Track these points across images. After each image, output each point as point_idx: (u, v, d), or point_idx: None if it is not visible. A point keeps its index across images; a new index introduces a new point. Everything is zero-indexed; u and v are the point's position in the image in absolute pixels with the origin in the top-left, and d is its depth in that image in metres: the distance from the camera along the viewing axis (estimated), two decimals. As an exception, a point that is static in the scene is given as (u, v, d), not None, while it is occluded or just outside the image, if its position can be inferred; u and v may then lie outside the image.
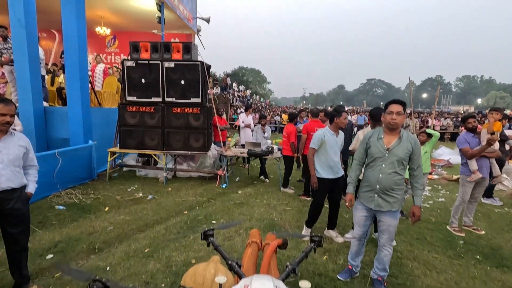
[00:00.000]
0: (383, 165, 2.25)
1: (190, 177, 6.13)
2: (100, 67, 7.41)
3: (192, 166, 6.20)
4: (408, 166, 2.33)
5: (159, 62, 5.30)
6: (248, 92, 28.16)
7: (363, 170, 2.50)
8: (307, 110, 23.40)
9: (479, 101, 79.50)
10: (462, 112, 49.85)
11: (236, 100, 21.14)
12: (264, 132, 6.25)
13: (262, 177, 6.24)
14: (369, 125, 3.44)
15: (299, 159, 5.62)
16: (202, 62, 5.34)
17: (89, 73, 7.27)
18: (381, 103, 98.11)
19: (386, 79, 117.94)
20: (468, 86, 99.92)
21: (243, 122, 7.00)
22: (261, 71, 68.68)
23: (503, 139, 5.02)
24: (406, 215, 4.13)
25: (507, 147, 5.58)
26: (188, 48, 5.26)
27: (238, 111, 18.33)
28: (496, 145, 3.78)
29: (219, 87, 18.80)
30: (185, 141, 5.52)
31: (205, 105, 5.50)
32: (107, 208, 4.19)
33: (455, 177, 6.48)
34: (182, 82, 5.34)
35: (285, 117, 17.81)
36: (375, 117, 3.19)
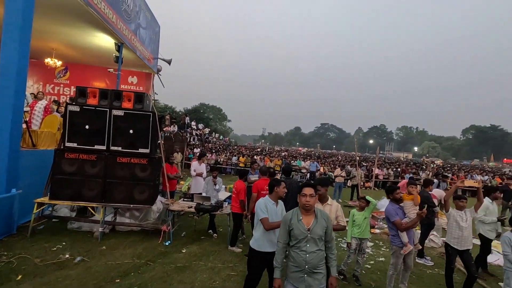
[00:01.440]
0: (308, 245, 2.40)
1: (132, 231, 5.63)
2: (41, 104, 6.84)
3: (136, 216, 5.74)
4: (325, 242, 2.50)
5: (107, 109, 5.08)
6: (207, 130, 28.14)
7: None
8: (263, 153, 23.76)
9: (415, 149, 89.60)
10: (402, 158, 55.68)
11: (194, 139, 20.89)
12: (215, 184, 6.12)
13: (210, 231, 5.98)
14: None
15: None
16: (154, 113, 5.24)
17: (27, 109, 6.66)
18: (333, 146, 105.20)
19: (338, 124, 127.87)
20: (406, 136, 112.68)
21: (194, 170, 6.82)
22: (222, 109, 69.92)
23: (431, 206, 5.55)
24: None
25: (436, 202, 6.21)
26: (140, 98, 5.17)
27: (195, 150, 18.05)
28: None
29: (176, 126, 18.52)
30: (129, 193, 5.15)
31: (154, 156, 5.29)
32: (19, 277, 3.57)
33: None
34: (131, 131, 5.13)
35: (242, 159, 17.91)
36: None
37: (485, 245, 5.05)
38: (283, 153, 25.01)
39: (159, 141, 5.86)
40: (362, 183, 14.28)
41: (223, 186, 8.13)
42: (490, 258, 5.69)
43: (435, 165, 25.50)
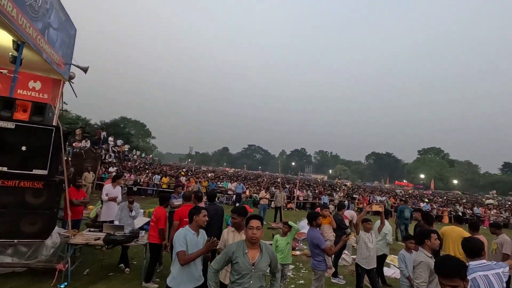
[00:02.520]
0: (251, 282, 2.27)
1: (14, 272, 4.48)
2: None
3: (22, 253, 4.59)
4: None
5: (-9, 120, 4.10)
6: (126, 147, 25.70)
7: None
8: (189, 173, 22.82)
9: (330, 171, 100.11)
10: (319, 180, 61.26)
11: (110, 156, 18.74)
12: (131, 211, 5.46)
13: (122, 265, 5.23)
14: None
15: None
16: (58, 127, 4.46)
17: None
18: (259, 167, 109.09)
19: (264, 146, 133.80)
20: (322, 159, 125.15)
21: (106, 195, 5.99)
22: (145, 125, 65.51)
23: (343, 228, 6.09)
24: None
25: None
26: (41, 109, 4.36)
27: (111, 169, 16.13)
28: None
29: (89, 141, 16.35)
30: (14, 225, 4.14)
31: (53, 179, 4.43)
32: None
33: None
34: (24, 148, 4.23)
35: (165, 180, 16.79)
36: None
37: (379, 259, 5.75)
38: (209, 174, 24.54)
39: (65, 159, 4.97)
40: (285, 204, 14.99)
41: (141, 211, 7.36)
42: (388, 272, 6.51)
43: (345, 186, 28.77)
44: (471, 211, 19.66)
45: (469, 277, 2.27)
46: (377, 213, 6.44)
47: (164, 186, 16.05)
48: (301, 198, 17.37)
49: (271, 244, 4.24)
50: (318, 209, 9.47)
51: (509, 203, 34.57)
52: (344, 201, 12.41)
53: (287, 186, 20.02)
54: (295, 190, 15.95)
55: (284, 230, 4.57)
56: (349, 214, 7.81)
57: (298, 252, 7.58)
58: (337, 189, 21.60)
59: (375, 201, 18.75)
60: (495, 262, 2.56)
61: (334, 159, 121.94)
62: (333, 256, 4.75)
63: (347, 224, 7.57)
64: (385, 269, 6.31)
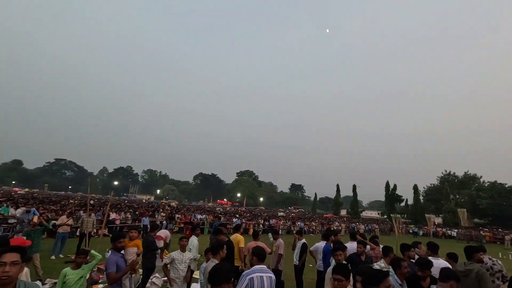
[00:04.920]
0: None
1: None
2: None
3: None
4: None
5: None
6: None
7: None
8: None
9: (158, 191, 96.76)
10: (145, 200, 57.65)
11: None
12: None
13: None
14: None
15: None
16: None
17: None
18: (70, 187, 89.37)
19: (79, 162, 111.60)
20: (151, 178, 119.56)
21: None
22: None
23: (154, 249, 5.93)
24: None
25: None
26: None
27: None
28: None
29: None
30: None
31: None
32: None
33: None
34: None
35: None
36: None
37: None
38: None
39: None
40: (95, 230, 12.86)
41: None
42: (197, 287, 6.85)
43: (169, 207, 28.62)
44: (268, 222, 24.58)
45: (249, 277, 2.80)
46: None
47: None
48: (117, 222, 15.51)
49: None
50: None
51: (292, 214, 46.50)
52: (163, 221, 12.21)
53: (102, 208, 17.41)
54: (107, 212, 14.08)
55: (78, 261, 3.86)
56: (164, 234, 7.73)
57: (100, 286, 6.55)
58: (161, 209, 21.05)
59: (196, 220, 19.69)
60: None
61: (163, 179, 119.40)
62: (133, 279, 4.43)
63: (162, 244, 7.44)
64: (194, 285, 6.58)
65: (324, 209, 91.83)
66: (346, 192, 72.80)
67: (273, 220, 26.26)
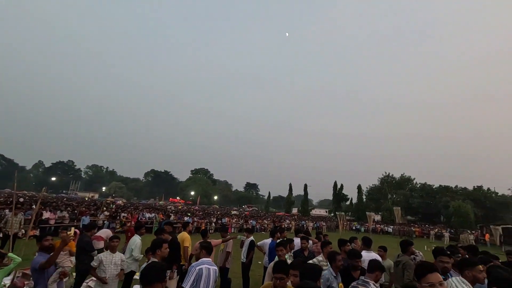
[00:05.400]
0: None
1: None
2: None
3: None
4: None
5: None
6: None
7: None
8: None
9: (103, 188, 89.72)
10: (87, 198, 53.02)
11: None
12: None
13: None
14: None
15: None
16: None
17: None
18: (-5, 182, 78.22)
19: (7, 155, 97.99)
20: (96, 175, 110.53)
21: None
22: None
23: (90, 250, 5.49)
24: None
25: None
26: None
27: None
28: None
29: None
30: None
31: None
32: None
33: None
34: None
35: None
36: None
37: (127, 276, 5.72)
38: None
39: None
40: (23, 231, 11.46)
41: None
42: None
43: (114, 205, 26.78)
44: (220, 221, 24.44)
45: (198, 267, 3.19)
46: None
47: None
48: (52, 222, 14.01)
49: None
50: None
51: (245, 213, 46.85)
52: (104, 221, 11.39)
53: (33, 207, 15.57)
54: (43, 211, 12.72)
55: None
56: (105, 233, 7.22)
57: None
58: (104, 208, 19.56)
59: (144, 219, 18.72)
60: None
61: (110, 175, 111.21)
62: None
63: (102, 245, 6.93)
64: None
65: (277, 207, 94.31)
66: (298, 191, 75.83)
67: (226, 218, 26.20)
